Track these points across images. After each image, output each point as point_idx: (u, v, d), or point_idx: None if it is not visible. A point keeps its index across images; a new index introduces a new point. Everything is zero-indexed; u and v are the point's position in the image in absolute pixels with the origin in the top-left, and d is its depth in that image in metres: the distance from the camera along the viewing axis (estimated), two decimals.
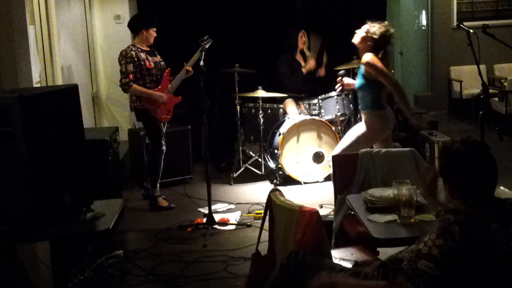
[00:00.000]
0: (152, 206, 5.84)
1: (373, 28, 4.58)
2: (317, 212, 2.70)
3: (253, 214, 5.50)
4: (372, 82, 4.58)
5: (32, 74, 4.20)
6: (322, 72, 6.99)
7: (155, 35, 5.68)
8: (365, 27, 4.61)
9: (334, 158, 4.14)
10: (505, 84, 8.61)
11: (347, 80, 5.02)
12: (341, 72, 5.03)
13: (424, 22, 10.85)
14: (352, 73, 6.84)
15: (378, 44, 4.57)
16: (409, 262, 2.20)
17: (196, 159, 6.80)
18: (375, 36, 4.55)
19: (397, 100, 4.68)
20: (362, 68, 4.61)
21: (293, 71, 6.96)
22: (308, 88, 7.03)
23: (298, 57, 7.08)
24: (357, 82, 4.76)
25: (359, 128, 4.76)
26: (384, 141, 4.74)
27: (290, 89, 6.90)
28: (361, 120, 4.83)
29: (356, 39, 4.66)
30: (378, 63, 4.50)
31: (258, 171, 6.74)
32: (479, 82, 4.24)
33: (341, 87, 5.00)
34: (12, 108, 2.72)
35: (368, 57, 4.53)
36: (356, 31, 4.66)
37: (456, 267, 2.11)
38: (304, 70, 6.97)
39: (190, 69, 5.74)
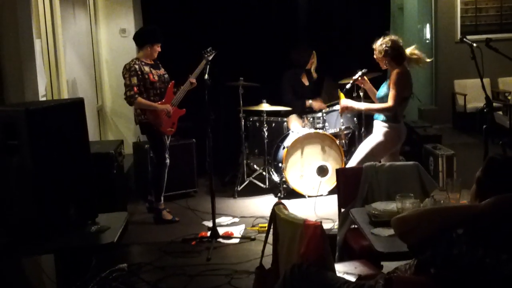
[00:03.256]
0: (156, 219, 5.84)
1: (379, 46, 4.70)
2: (321, 225, 2.70)
3: (257, 228, 5.50)
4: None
5: (38, 87, 4.23)
6: (323, 106, 6.95)
7: (159, 50, 5.71)
8: (376, 49, 4.73)
9: (338, 171, 4.15)
10: (509, 97, 8.62)
11: (367, 79, 5.08)
12: (364, 70, 5.06)
13: (428, 35, 10.87)
14: (356, 87, 6.86)
15: (394, 55, 4.68)
16: None
17: (200, 172, 6.79)
18: (387, 49, 4.66)
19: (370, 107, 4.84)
20: (389, 80, 4.71)
21: (296, 90, 6.95)
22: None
23: (303, 78, 7.07)
24: (380, 91, 4.81)
25: (373, 140, 4.80)
26: (392, 154, 4.80)
27: (293, 106, 6.89)
28: (366, 132, 4.88)
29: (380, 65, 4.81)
30: (402, 81, 4.58)
31: (262, 185, 6.74)
32: (483, 95, 4.25)
33: (355, 81, 5.08)
34: (18, 122, 2.74)
35: (398, 70, 4.64)
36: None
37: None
38: (307, 103, 6.95)
39: (194, 81, 5.77)
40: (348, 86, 5.12)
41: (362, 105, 5.03)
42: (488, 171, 2.43)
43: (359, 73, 5.06)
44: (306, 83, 7.05)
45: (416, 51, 4.76)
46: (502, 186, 2.34)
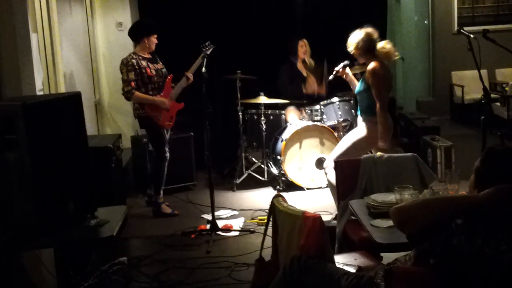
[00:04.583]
0: (155, 213, 5.84)
1: (351, 42, 4.75)
2: (320, 217, 2.70)
3: (256, 220, 5.50)
4: (371, 89, 4.65)
5: (35, 81, 4.22)
6: (322, 90, 6.96)
7: (157, 41, 5.70)
8: (349, 45, 4.78)
9: (337, 163, 4.15)
10: (507, 89, 8.61)
11: (349, 72, 5.07)
12: (346, 62, 5.07)
13: (425, 27, 10.85)
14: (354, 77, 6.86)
15: (367, 47, 4.71)
16: None
17: (199, 166, 6.80)
18: (359, 41, 4.70)
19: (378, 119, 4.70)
20: (365, 74, 4.71)
21: (294, 81, 6.94)
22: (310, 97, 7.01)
23: (299, 67, 7.06)
24: (357, 87, 4.82)
25: (356, 134, 4.82)
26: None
27: (291, 98, 6.88)
28: (356, 126, 4.88)
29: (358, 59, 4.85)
30: (380, 75, 4.57)
31: (261, 177, 6.75)
32: (480, 87, 4.25)
33: (337, 73, 5.07)
34: (16, 116, 2.73)
35: (372, 65, 4.61)
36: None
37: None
38: (304, 90, 6.93)
39: (191, 76, 5.75)
40: (330, 77, 5.20)
41: (381, 136, 4.70)
42: (487, 162, 2.43)
43: (341, 64, 5.07)
44: (304, 73, 7.04)
45: (387, 46, 4.74)
46: (501, 177, 2.33)
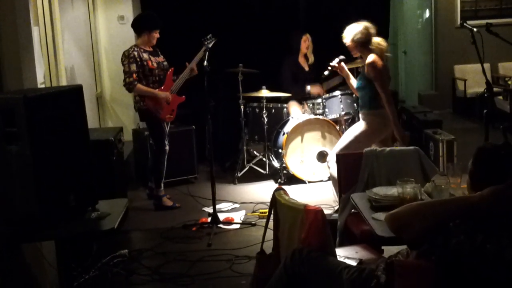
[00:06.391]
0: (156, 206, 5.85)
1: (348, 34, 4.75)
2: (321, 210, 2.70)
3: (257, 213, 5.51)
4: (371, 82, 4.65)
5: (37, 75, 4.21)
6: (322, 92, 6.95)
7: (158, 36, 5.69)
8: (344, 37, 4.77)
9: (339, 157, 4.14)
10: (510, 82, 8.60)
11: (344, 66, 5.10)
12: (341, 57, 5.06)
13: (427, 21, 10.83)
14: (356, 73, 6.84)
15: (364, 41, 4.71)
16: None
17: (200, 159, 6.81)
18: (356, 35, 4.70)
19: (387, 111, 4.72)
20: (363, 69, 4.72)
21: (296, 76, 6.93)
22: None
23: (301, 61, 7.04)
24: (357, 83, 4.83)
25: (358, 127, 4.82)
26: (383, 142, 4.78)
27: (293, 93, 6.88)
28: (359, 120, 4.89)
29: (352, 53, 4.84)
30: (380, 68, 4.57)
31: (262, 171, 6.75)
32: (483, 80, 4.24)
33: (333, 68, 5.09)
34: (17, 109, 2.72)
35: (371, 58, 4.60)
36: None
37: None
38: (307, 89, 6.92)
39: (195, 68, 5.74)
40: (326, 72, 5.27)
41: (395, 126, 4.73)
42: (478, 162, 2.38)
43: (336, 59, 5.07)
44: (306, 68, 7.03)
45: (383, 43, 4.74)
46: (494, 176, 2.28)
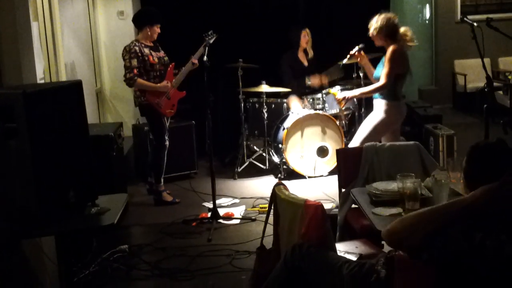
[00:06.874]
0: (156, 201, 5.85)
1: (375, 23, 4.70)
2: (321, 205, 2.70)
3: (257, 208, 5.51)
4: None
5: (36, 70, 4.20)
6: (324, 81, 6.94)
7: (159, 31, 5.68)
8: (371, 27, 4.74)
9: (339, 152, 4.14)
10: (510, 77, 8.58)
11: (365, 55, 5.07)
12: (361, 45, 5.05)
13: (427, 16, 10.81)
14: (356, 66, 6.84)
15: (389, 32, 4.68)
16: None
17: (200, 154, 6.81)
18: (382, 26, 4.67)
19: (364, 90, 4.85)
20: (384, 58, 4.70)
21: (295, 70, 6.91)
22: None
23: (301, 56, 7.03)
24: (376, 72, 4.81)
25: (375, 117, 4.79)
26: (393, 132, 4.80)
27: (292, 87, 6.86)
28: (365, 112, 4.88)
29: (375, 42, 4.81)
30: (395, 58, 4.56)
31: (262, 166, 6.75)
32: (483, 75, 4.23)
33: (352, 56, 5.05)
34: (16, 104, 2.72)
35: (392, 48, 4.64)
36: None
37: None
38: (309, 83, 6.91)
39: (196, 61, 5.73)
40: (345, 61, 5.20)
41: (357, 91, 4.97)
42: (472, 160, 2.37)
43: (356, 48, 5.04)
44: (306, 63, 7.02)
45: (409, 33, 4.74)
46: (489, 173, 2.25)
